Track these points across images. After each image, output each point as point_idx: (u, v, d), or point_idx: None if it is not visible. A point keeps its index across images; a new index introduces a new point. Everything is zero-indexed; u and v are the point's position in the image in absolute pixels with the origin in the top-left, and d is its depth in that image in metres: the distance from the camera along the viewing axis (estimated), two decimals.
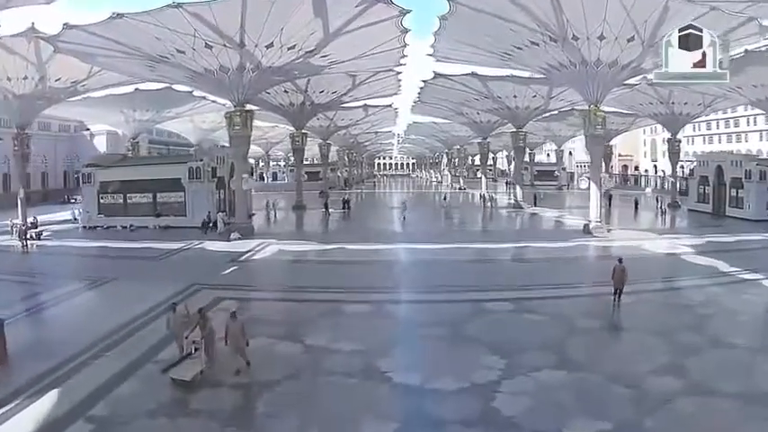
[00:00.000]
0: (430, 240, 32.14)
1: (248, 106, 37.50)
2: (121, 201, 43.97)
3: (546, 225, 42.02)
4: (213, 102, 60.24)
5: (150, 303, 18.47)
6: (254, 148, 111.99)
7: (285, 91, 49.53)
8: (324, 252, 29.31)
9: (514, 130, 54.03)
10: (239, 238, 34.69)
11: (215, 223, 39.02)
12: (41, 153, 71.51)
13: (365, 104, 61.25)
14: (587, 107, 37.25)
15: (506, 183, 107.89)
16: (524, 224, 43.21)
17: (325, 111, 55.25)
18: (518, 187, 54.76)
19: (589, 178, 40.33)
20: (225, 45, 32.04)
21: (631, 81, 43.41)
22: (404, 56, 37.44)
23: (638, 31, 31.60)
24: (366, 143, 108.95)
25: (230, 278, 23.81)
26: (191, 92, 54.32)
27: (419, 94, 52.71)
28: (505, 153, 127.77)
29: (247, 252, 29.84)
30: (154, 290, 20.59)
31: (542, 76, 44.04)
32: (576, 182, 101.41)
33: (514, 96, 49.89)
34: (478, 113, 63.97)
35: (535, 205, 54.80)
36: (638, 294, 19.31)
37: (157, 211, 42.78)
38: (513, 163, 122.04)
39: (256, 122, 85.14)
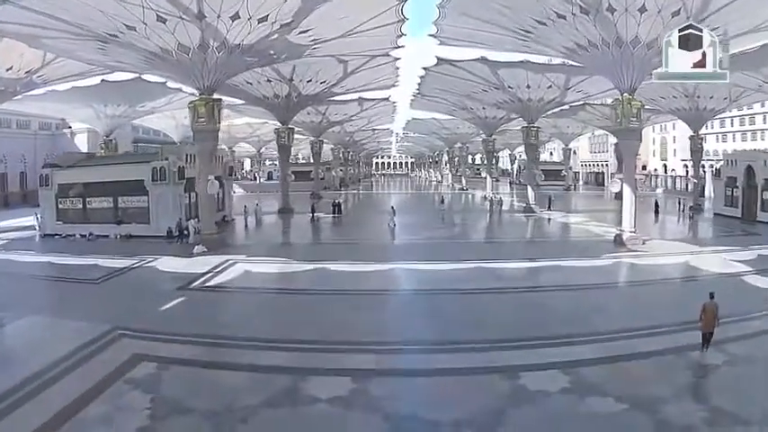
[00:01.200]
0: (429, 258, 25.66)
1: (225, 98, 31.39)
2: (81, 206, 37.76)
3: (567, 234, 35.44)
4: (191, 94, 53.77)
5: (33, 368, 12.21)
6: (246, 147, 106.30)
7: (268, 80, 43.02)
8: (299, 275, 22.73)
9: (525, 124, 47.45)
10: (204, 253, 28.39)
11: (183, 232, 32.67)
12: (20, 152, 66.49)
13: (360, 98, 54.73)
14: (620, 96, 30.84)
15: (510, 183, 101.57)
16: (541, 233, 36.52)
17: (315, 104, 48.69)
18: (530, 189, 48.20)
19: (621, 180, 33.84)
20: (181, 17, 25.56)
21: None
22: (401, 35, 30.94)
23: (684, 4, 25.23)
24: (363, 141, 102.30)
25: (167, 318, 17.27)
26: (164, 83, 47.84)
27: (419, 84, 46.16)
28: (508, 152, 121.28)
29: (205, 274, 23.29)
30: (58, 338, 14.72)
31: (562, 61, 37.80)
32: (579, 182, 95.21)
33: (527, 87, 43.32)
34: (484, 108, 57.47)
35: (549, 208, 48.33)
36: (735, 343, 13.14)
37: (118, 217, 36.47)
38: (515, 162, 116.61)
39: (246, 119, 79.26)
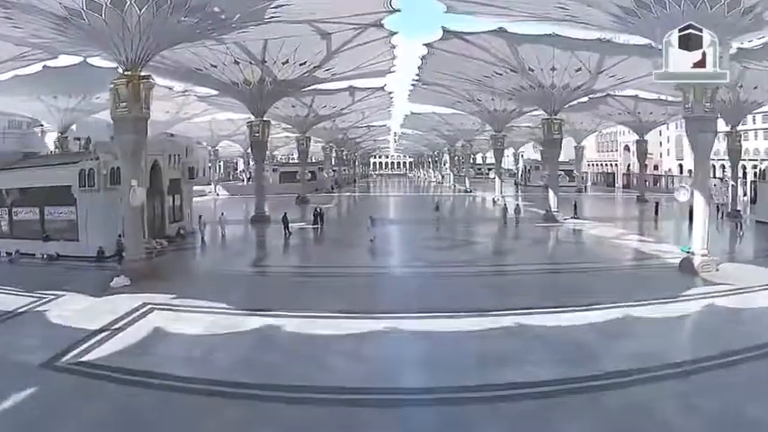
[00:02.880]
0: (430, 304, 16.80)
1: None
2: (7, 217, 29.43)
3: (612, 256, 26.59)
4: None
5: None
6: (235, 147, 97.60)
7: (236, 62, 34.42)
8: (232, 344, 13.81)
9: (546, 116, 38.83)
10: (123, 288, 20.02)
11: (122, 253, 24.37)
12: None
13: (351, 87, 46.14)
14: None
15: (515, 183, 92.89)
16: (580, 255, 27.43)
17: (296, 92, 40.07)
18: (551, 193, 39.55)
19: (689, 186, 25.44)
20: None
21: None
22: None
23: None
24: (358, 139, 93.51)
25: None
26: (116, 68, 39.24)
27: (420, 68, 37.49)
28: (512, 150, 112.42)
29: (97, 334, 14.68)
30: None
31: (598, 36, 29.49)
32: (588, 182, 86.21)
33: (552, 69, 34.72)
34: (493, 99, 48.94)
35: (575, 216, 39.76)
36: None
37: (45, 232, 28.05)
38: (520, 161, 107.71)
39: (229, 114, 70.69)
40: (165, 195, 33.24)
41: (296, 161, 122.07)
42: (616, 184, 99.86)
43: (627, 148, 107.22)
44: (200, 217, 32.54)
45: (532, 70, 34.66)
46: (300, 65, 34.62)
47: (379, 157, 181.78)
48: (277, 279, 21.44)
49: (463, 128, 70.30)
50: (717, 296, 18.23)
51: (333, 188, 75.96)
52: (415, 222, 38.75)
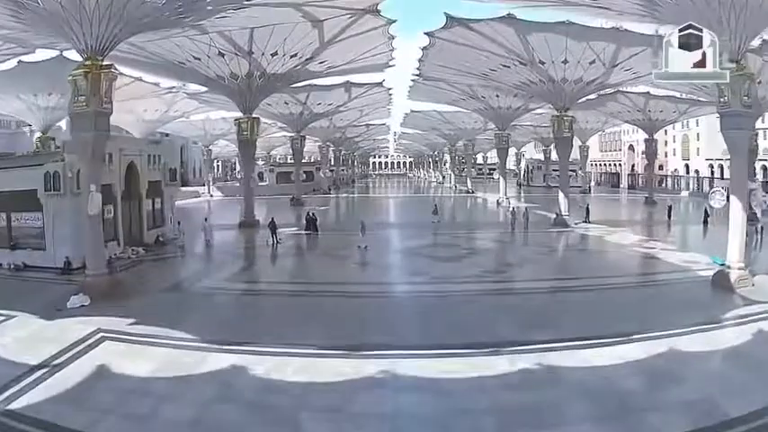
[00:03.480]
0: (435, 337, 13.82)
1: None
2: None
3: (637, 268, 23.58)
4: (138, 79, 42.47)
5: None
6: (232, 146, 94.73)
7: (220, 54, 31.57)
8: (190, 387, 10.79)
9: (557, 113, 35.94)
10: (83, 306, 17.32)
11: None
12: None
13: (347, 82, 43.27)
14: (733, 63, 19.45)
15: (518, 184, 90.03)
16: (601, 267, 23.63)
17: (287, 86, 37.14)
18: (562, 195, 36.66)
19: (724, 190, 22.64)
20: None
21: None
22: None
23: None
24: (357, 138, 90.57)
25: None
26: None
27: (421, 62, 34.56)
28: (514, 149, 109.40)
29: (33, 371, 11.89)
30: None
31: (614, 25, 26.72)
32: (591, 183, 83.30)
33: (564, 62, 31.86)
34: (497, 96, 46.09)
35: (587, 220, 36.90)
36: None
37: (12, 240, 25.33)
38: (522, 161, 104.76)
39: (223, 113, 67.92)
40: (143, 199, 30.43)
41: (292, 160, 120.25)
42: (621, 185, 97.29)
43: (631, 148, 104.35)
44: (178, 223, 29.70)
45: (543, 63, 31.79)
46: (291, 57, 31.78)
47: (379, 157, 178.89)
48: (253, 300, 18.40)
49: (465, 126, 67.44)
50: (756, 317, 15.52)
51: (330, 189, 73.05)
52: (413, 227, 35.76)
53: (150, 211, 31.44)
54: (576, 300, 17.31)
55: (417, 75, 38.48)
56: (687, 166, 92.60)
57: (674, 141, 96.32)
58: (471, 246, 28.39)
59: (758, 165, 79.18)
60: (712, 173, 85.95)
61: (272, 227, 27.96)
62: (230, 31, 29.01)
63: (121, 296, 18.33)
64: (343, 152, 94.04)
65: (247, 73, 33.17)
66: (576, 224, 35.86)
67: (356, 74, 39.78)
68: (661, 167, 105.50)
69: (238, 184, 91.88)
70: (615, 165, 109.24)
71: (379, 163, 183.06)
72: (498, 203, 51.73)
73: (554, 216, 37.00)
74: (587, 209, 37.65)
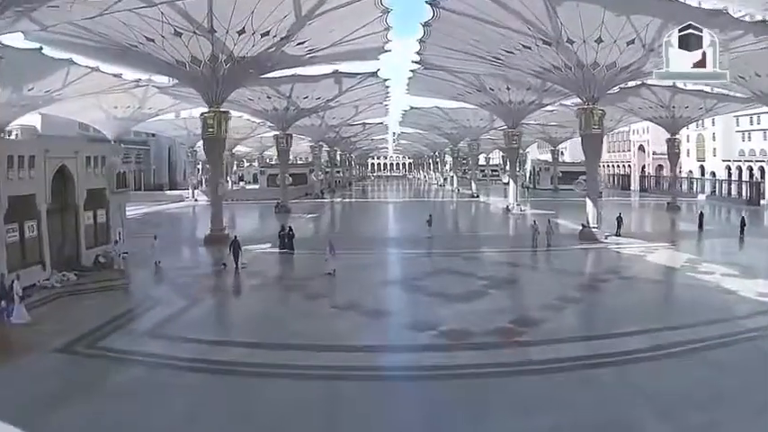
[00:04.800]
0: None
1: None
2: None
3: (717, 311, 16.57)
4: (95, 69, 36.14)
5: None
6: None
7: (177, 33, 25.21)
8: None
9: (584, 106, 29.51)
10: None
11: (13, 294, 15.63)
12: None
13: (336, 71, 36.85)
14: None
15: (523, 186, 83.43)
16: (675, 312, 16.28)
17: (262, 73, 30.68)
18: (590, 203, 30.20)
19: None
20: None
21: None
22: None
23: None
24: (353, 138, 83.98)
25: None
26: (39, 49, 30.23)
27: (423, 41, 28.00)
28: (519, 150, 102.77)
29: None
30: None
31: None
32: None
33: (597, 41, 25.45)
34: (508, 88, 39.74)
35: (618, 233, 30.55)
36: None
37: None
38: (527, 162, 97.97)
39: (203, 110, 61.36)
40: (80, 211, 24.09)
41: (294, 162, 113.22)
42: (631, 187, 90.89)
43: (641, 148, 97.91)
44: (115, 242, 23.34)
45: (572, 42, 25.36)
46: (262, 36, 25.37)
47: (378, 158, 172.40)
48: (168, 377, 11.73)
49: (469, 125, 60.96)
50: None
51: (323, 193, 66.50)
52: (407, 243, 29.45)
53: (90, 226, 25.10)
54: (665, 380, 10.80)
55: (418, 62, 32.08)
56: (702, 167, 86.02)
57: (688, 141, 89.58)
58: (487, 273, 20.86)
59: (756, 166, 73.58)
60: (729, 175, 79.76)
61: (234, 248, 21.54)
62: (182, 1, 22.70)
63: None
64: (338, 153, 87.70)
65: (211, 56, 26.76)
66: (606, 237, 29.53)
67: (346, 61, 33.38)
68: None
69: (229, 187, 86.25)
70: (624, 166, 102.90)
71: (378, 164, 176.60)
72: (508, 210, 45.35)
73: (580, 228, 30.65)
74: (619, 220, 31.15)
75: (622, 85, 36.39)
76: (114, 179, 26.27)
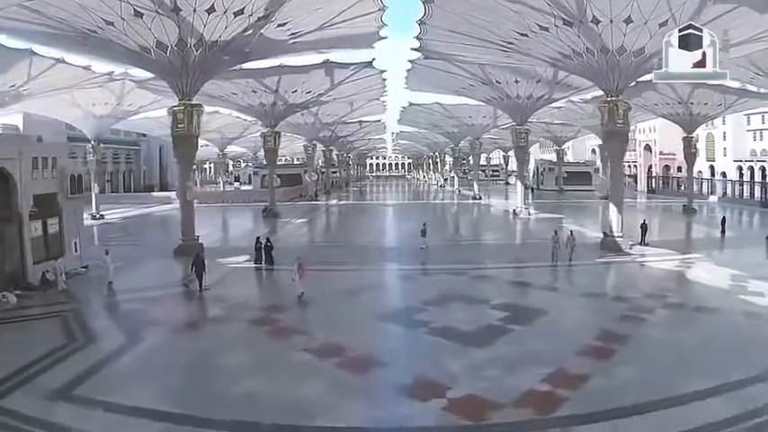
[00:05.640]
0: None
1: None
2: None
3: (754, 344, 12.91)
4: (60, 60, 32.23)
5: None
6: (206, 148, 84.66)
7: (137, 14, 21.31)
8: None
9: (607, 98, 25.58)
10: None
11: None
12: None
13: (327, 61, 32.91)
14: None
15: (527, 187, 79.47)
16: (739, 357, 11.85)
17: (240, 60, 26.80)
18: (614, 208, 26.28)
19: None
20: None
21: None
22: None
23: None
24: (350, 137, 79.98)
25: None
26: None
27: (422, 24, 24.02)
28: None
29: None
30: None
31: None
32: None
33: (627, 21, 21.57)
34: (517, 81, 35.90)
35: (643, 242, 26.71)
36: None
37: None
38: (531, 162, 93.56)
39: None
40: (23, 221, 20.29)
41: (290, 162, 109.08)
42: (638, 188, 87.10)
43: (648, 148, 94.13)
44: (59, 257, 19.46)
45: (598, 22, 21.47)
46: (235, 15, 21.47)
47: (377, 158, 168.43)
48: None
49: (471, 122, 56.97)
50: None
51: (316, 195, 62.49)
52: (404, 256, 25.24)
53: (39, 238, 21.29)
54: None
55: (417, 49, 28.14)
56: (712, 167, 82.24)
57: (698, 141, 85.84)
58: (503, 299, 16.65)
59: (757, 166, 70.19)
60: (741, 175, 76.10)
61: (197, 266, 17.67)
62: None
63: None
64: (335, 153, 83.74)
65: (178, 41, 22.87)
66: (630, 247, 25.70)
67: (337, 48, 29.45)
68: (680, 169, 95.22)
69: (214, 190, 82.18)
70: (630, 166, 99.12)
71: (377, 164, 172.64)
72: (515, 214, 41.48)
73: (601, 236, 26.80)
74: (644, 227, 27.23)
75: (639, 78, 32.66)
76: (68, 183, 22.46)
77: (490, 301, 16.04)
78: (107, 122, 49.81)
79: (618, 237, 25.74)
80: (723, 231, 31.72)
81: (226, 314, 15.63)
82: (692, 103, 46.10)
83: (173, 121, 25.61)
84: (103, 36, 23.43)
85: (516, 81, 35.59)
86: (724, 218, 34.46)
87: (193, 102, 25.48)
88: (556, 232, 22.48)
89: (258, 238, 21.53)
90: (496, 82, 35.69)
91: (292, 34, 24.49)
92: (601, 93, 41.53)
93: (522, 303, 16.53)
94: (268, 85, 35.71)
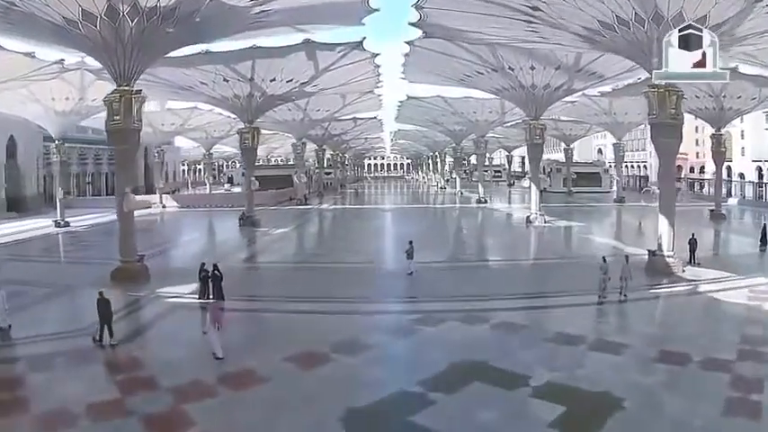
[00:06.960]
0: None
1: None
2: None
3: None
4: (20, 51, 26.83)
5: None
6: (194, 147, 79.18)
7: None
8: None
9: (655, 86, 20.07)
10: None
11: None
12: None
13: (308, 40, 27.26)
14: None
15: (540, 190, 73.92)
16: None
17: (191, 38, 21.30)
18: (664, 219, 20.79)
19: None
20: None
21: None
22: None
23: None
24: (345, 136, 74.45)
25: None
26: None
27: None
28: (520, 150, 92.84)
29: None
30: None
31: None
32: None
33: None
34: (533, 68, 30.51)
35: (692, 261, 21.33)
36: None
37: None
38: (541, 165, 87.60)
39: (171, 104, 52.17)
40: None
41: (284, 163, 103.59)
42: (650, 189, 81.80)
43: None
44: None
45: None
46: None
47: (374, 158, 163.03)
48: None
49: (476, 118, 51.38)
50: None
51: (306, 198, 56.87)
52: (391, 288, 19.18)
53: None
54: None
55: (416, 23, 22.57)
56: (729, 168, 76.80)
57: (726, 139, 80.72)
58: (548, 371, 10.82)
59: (753, 166, 65.76)
60: (761, 176, 71.20)
61: (101, 312, 12.26)
62: None
63: None
64: (329, 152, 78.25)
65: (107, 9, 17.41)
66: (683, 270, 20.25)
67: (318, 24, 23.93)
68: (692, 170, 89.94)
69: (195, 192, 76.70)
70: (639, 167, 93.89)
71: (375, 165, 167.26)
72: (529, 221, 36.02)
73: (643, 253, 21.35)
74: (693, 243, 21.69)
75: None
76: None
77: (528, 379, 10.19)
78: (72, 119, 44.22)
79: (668, 256, 20.26)
80: (763, 241, 26.60)
81: (128, 391, 9.85)
82: (723, 96, 40.76)
83: (108, 112, 20.05)
84: (25, 9, 18.12)
85: (532, 68, 30.13)
86: (765, 226, 28.91)
87: (133, 88, 19.95)
88: (605, 259, 16.59)
89: (203, 264, 15.93)
90: (509, 68, 30.22)
91: (263, 11, 19.00)
92: (627, 82, 36.40)
93: (579, 383, 10.35)
94: (241, 72, 30.16)
